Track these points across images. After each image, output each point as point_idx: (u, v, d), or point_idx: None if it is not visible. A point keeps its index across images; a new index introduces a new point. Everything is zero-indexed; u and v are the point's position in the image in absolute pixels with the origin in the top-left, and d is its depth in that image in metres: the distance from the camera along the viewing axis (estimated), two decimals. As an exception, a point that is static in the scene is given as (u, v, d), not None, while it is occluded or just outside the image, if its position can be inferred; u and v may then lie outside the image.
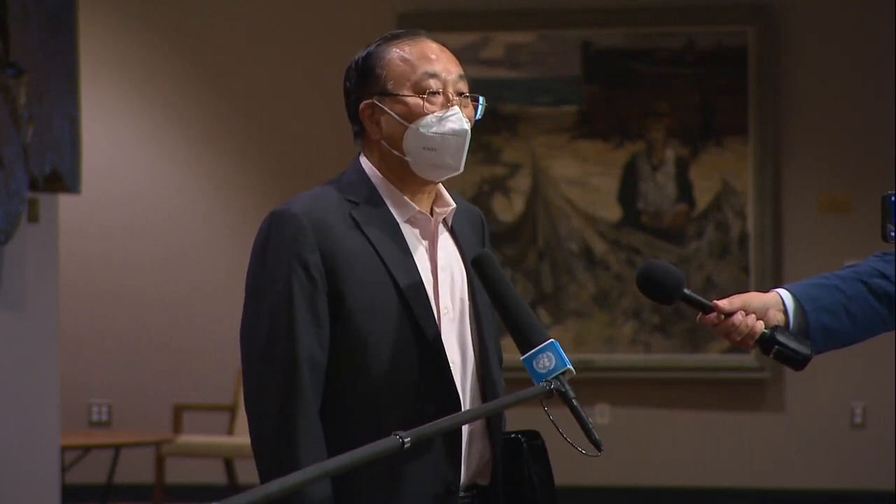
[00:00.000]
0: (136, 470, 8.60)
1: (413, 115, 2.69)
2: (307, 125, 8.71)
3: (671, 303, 2.78)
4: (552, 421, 2.54)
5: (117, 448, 8.10)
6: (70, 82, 6.07)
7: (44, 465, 6.12)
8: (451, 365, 2.68)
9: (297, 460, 2.56)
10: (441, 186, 2.78)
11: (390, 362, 2.63)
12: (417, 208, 2.72)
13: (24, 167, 5.69)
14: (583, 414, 2.52)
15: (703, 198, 8.56)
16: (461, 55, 2.78)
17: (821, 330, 2.81)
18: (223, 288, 8.61)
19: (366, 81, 2.73)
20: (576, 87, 8.59)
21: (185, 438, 8.26)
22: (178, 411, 8.57)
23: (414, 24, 9.86)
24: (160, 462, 8.33)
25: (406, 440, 2.19)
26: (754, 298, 2.81)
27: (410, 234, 2.72)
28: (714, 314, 2.79)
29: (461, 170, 2.73)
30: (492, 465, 2.75)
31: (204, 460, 8.45)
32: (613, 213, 8.60)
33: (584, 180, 8.61)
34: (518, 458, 2.75)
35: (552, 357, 2.54)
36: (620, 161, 8.60)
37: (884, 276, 2.87)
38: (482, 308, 2.76)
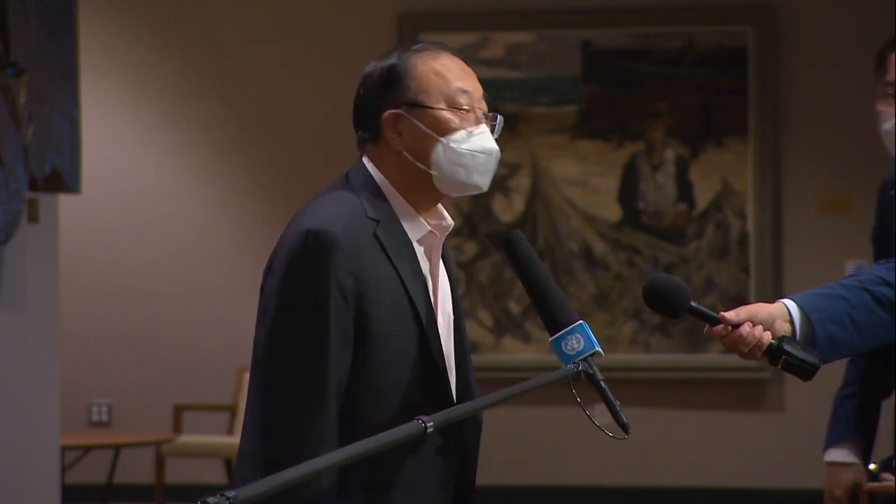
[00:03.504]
0: (136, 470, 8.60)
1: (444, 129, 2.64)
2: (307, 124, 8.70)
3: (678, 316, 2.78)
4: (580, 403, 2.52)
5: (117, 448, 8.10)
6: (70, 82, 6.05)
7: (44, 465, 6.12)
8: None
9: (318, 484, 2.52)
10: None
11: (403, 384, 2.61)
12: (429, 228, 2.68)
13: (24, 167, 5.68)
14: (611, 396, 2.51)
15: (703, 198, 8.55)
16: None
17: (827, 340, 2.80)
18: (223, 288, 8.59)
19: (392, 90, 2.66)
20: (576, 87, 8.58)
21: (185, 438, 8.25)
22: (178, 411, 8.56)
23: (414, 24, 9.77)
24: (160, 462, 8.33)
25: (429, 425, 2.22)
26: (760, 309, 2.80)
27: (419, 252, 2.68)
28: (721, 326, 2.77)
29: (485, 189, 2.69)
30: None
31: (204, 460, 8.44)
32: (613, 213, 8.59)
33: (584, 180, 8.60)
34: None
35: (581, 339, 2.53)
36: (620, 161, 8.59)
37: (887, 283, 2.87)
38: (461, 321, 2.75)
